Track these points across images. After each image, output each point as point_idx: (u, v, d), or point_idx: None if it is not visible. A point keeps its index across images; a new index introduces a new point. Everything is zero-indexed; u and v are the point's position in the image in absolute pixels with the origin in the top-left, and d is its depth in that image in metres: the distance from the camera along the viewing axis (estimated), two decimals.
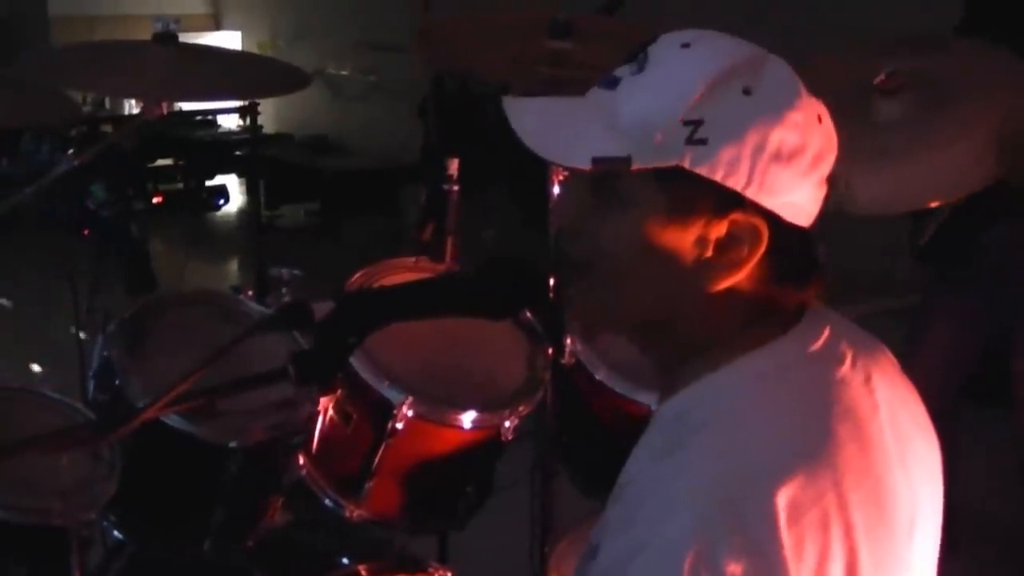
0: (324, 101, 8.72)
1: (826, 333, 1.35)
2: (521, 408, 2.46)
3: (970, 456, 3.91)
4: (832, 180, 1.32)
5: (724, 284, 1.29)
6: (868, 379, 1.34)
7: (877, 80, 2.60)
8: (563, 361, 2.50)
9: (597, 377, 2.47)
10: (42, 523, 2.27)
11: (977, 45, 3.00)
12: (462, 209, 2.77)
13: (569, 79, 2.56)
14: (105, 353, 2.51)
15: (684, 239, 1.28)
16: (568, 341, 2.50)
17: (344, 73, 8.71)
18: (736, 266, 1.28)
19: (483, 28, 2.98)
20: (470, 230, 2.81)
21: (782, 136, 1.25)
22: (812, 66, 2.83)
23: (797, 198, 1.28)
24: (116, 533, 2.52)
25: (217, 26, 9.71)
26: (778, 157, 1.25)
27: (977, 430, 4.28)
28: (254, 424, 2.42)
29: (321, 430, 2.45)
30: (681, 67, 1.27)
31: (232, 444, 2.41)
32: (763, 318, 1.32)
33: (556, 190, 2.57)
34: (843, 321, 1.41)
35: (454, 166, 2.71)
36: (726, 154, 1.24)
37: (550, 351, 2.53)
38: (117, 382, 2.46)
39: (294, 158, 8.35)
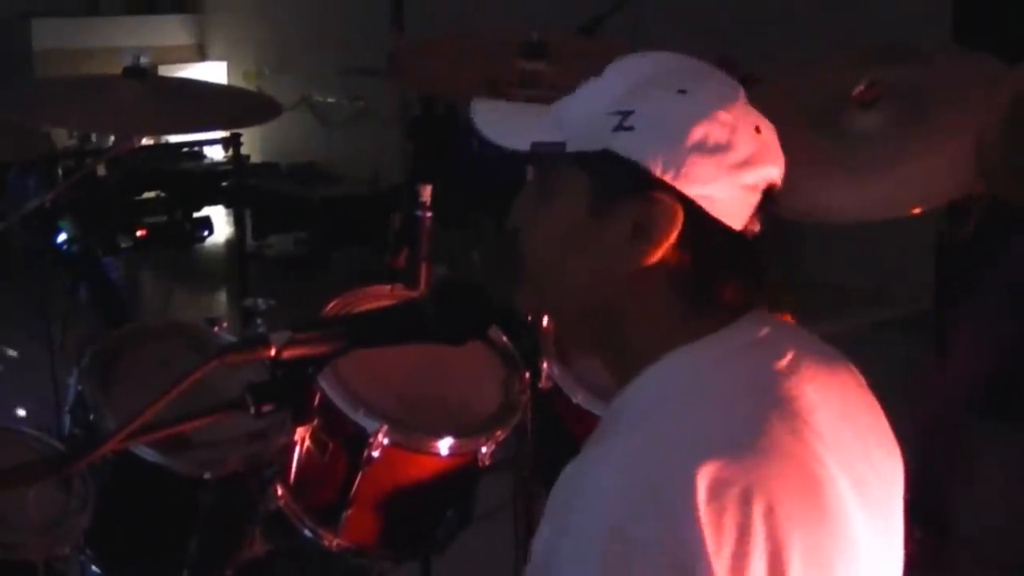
0: (310, 129, 8.71)
1: (766, 331, 1.38)
2: (498, 433, 2.44)
3: (987, 474, 3.85)
4: (775, 193, 1.37)
5: (643, 263, 1.34)
6: (811, 378, 1.36)
7: (855, 92, 2.60)
8: (540, 385, 2.48)
9: (575, 401, 2.45)
10: (16, 558, 2.25)
11: (954, 54, 3.00)
12: (448, 232, 2.76)
13: (543, 100, 2.54)
14: (79, 387, 2.49)
15: (606, 222, 1.35)
16: (545, 365, 2.48)
17: (331, 100, 8.71)
18: (652, 245, 1.33)
19: (456, 49, 2.97)
20: (456, 253, 2.80)
21: (708, 130, 1.32)
22: (791, 79, 2.85)
23: (718, 192, 1.33)
24: (94, 568, 2.50)
25: (202, 57, 9.70)
26: (701, 148, 1.31)
27: (997, 445, 4.23)
28: (228, 455, 2.42)
29: (298, 460, 2.43)
30: (626, 69, 1.39)
31: (206, 475, 2.40)
32: (699, 313, 1.36)
33: None
34: (795, 328, 1.46)
35: (427, 193, 2.69)
36: (650, 140, 1.32)
37: (527, 375, 2.50)
38: (91, 417, 2.45)
39: (281, 187, 8.32)
